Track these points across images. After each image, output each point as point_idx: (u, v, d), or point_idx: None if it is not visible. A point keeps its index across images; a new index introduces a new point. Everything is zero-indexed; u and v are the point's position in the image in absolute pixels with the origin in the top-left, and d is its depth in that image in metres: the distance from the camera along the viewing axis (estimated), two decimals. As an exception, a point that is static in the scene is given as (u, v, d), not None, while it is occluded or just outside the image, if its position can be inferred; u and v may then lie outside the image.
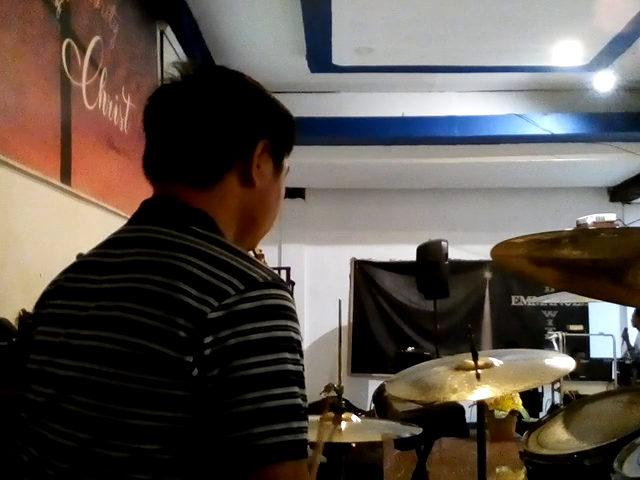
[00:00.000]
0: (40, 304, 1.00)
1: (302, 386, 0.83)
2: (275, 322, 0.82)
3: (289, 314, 0.84)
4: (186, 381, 0.80)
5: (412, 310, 8.09)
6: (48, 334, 0.94)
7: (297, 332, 0.84)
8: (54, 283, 1.00)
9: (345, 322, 8.01)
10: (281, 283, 0.86)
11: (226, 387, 0.79)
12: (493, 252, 1.61)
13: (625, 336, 7.41)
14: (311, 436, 0.86)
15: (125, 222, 0.99)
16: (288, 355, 0.82)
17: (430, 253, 6.61)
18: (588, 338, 7.90)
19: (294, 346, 0.83)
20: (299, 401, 0.81)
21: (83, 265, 0.98)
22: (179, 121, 0.97)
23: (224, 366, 0.79)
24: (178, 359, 0.79)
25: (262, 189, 1.01)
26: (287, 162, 1.07)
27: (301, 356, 0.84)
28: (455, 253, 7.22)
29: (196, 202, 0.95)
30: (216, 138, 0.96)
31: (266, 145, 1.00)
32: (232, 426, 0.78)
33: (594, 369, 7.23)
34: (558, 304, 7.82)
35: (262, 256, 3.27)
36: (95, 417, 0.82)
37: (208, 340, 0.79)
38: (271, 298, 0.83)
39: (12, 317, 2.50)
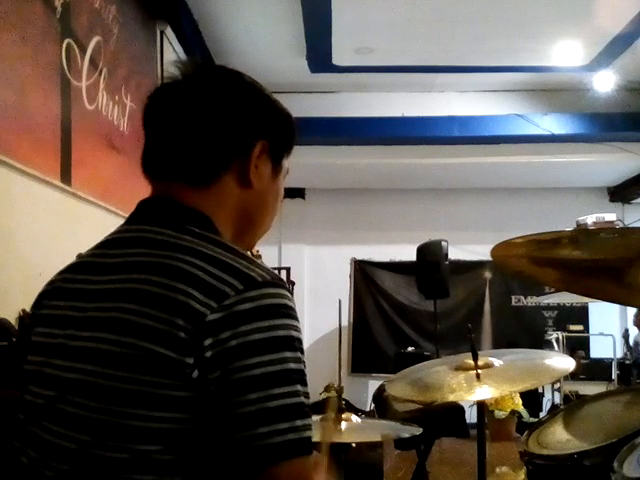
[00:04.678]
0: (37, 304, 1.00)
1: (304, 384, 0.83)
2: (275, 321, 0.82)
3: (289, 312, 0.84)
4: (186, 382, 0.79)
5: (412, 310, 8.08)
6: (46, 335, 0.94)
7: (297, 330, 0.84)
8: (51, 283, 0.99)
9: (345, 322, 8.01)
10: (280, 282, 0.86)
11: (228, 388, 0.79)
12: (493, 252, 1.61)
13: (626, 336, 7.40)
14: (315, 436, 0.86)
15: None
16: (289, 354, 0.82)
17: (430, 253, 6.61)
18: (588, 338, 7.90)
19: (295, 344, 0.83)
20: (302, 399, 0.81)
21: (80, 266, 0.97)
22: (177, 120, 0.97)
23: (225, 368, 0.79)
24: (178, 360, 0.79)
25: (260, 190, 1.00)
26: (287, 163, 1.07)
27: (302, 354, 0.84)
28: (455, 253, 7.22)
29: (193, 202, 0.95)
30: (214, 138, 0.96)
31: (264, 146, 0.99)
32: (236, 427, 0.78)
33: (594, 369, 7.22)
34: (558, 304, 7.81)
35: (259, 257, 3.27)
36: (95, 419, 0.82)
37: (208, 342, 0.79)
38: (270, 297, 0.83)
39: (12, 317, 2.50)
